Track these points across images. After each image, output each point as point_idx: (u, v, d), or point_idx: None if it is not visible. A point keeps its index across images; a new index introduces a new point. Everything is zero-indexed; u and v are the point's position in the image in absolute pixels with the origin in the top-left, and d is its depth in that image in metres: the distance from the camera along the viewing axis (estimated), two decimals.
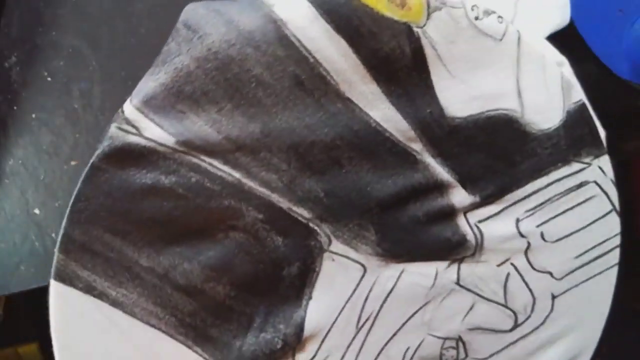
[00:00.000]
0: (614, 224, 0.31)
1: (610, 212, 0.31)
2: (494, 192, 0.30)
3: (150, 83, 0.27)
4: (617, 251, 0.32)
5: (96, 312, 0.27)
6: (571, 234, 0.31)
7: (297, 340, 0.28)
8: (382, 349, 0.29)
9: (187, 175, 0.27)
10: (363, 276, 0.29)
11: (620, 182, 0.35)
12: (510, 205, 0.31)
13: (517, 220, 0.31)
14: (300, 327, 0.28)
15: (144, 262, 0.27)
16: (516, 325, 0.31)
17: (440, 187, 0.30)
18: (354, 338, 0.29)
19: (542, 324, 0.31)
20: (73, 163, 0.36)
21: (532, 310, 0.31)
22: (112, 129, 0.27)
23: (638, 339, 0.39)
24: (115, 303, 0.27)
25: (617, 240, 0.32)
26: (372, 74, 0.28)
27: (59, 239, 0.28)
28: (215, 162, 0.27)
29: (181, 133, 0.27)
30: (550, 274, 0.31)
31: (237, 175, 0.27)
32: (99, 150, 0.27)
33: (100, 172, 0.27)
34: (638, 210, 0.39)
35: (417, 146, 0.29)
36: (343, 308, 0.29)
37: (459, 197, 0.30)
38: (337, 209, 0.29)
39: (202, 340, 0.28)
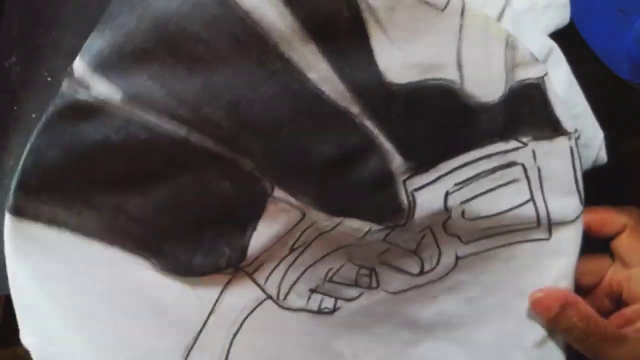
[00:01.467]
0: (529, 213, 0.32)
1: (527, 202, 0.32)
2: (429, 160, 0.31)
3: (97, 41, 0.28)
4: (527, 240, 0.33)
5: (60, 240, 0.29)
6: (487, 216, 0.32)
7: (239, 261, 0.31)
8: (309, 266, 0.33)
9: (136, 133, 0.28)
10: (302, 219, 0.31)
11: (620, 181, 0.35)
12: (443, 176, 0.31)
13: (447, 194, 0.32)
14: (244, 252, 0.31)
15: (100, 197, 0.29)
16: (422, 272, 0.34)
17: (379, 152, 0.31)
18: (287, 255, 0.32)
19: (446, 275, 0.34)
20: None
21: (438, 263, 0.34)
22: (64, 86, 0.28)
23: None
24: (77, 229, 0.29)
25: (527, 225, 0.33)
26: (310, 34, 0.28)
27: (14, 183, 0.29)
28: (163, 119, 0.28)
29: (127, 89, 0.27)
30: (459, 237, 0.33)
31: (183, 132, 0.28)
32: (51, 107, 0.28)
33: (52, 127, 0.28)
34: None
35: (354, 109, 0.30)
36: (281, 237, 0.32)
37: (396, 162, 0.31)
38: (277, 166, 0.30)
39: (157, 254, 0.31)
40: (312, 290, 0.34)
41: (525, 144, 0.32)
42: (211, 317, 0.32)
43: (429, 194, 0.32)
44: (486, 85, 0.31)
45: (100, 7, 0.38)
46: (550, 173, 0.32)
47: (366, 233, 0.32)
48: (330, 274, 0.34)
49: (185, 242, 0.31)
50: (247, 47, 0.28)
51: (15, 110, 0.37)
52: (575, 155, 0.32)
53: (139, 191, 0.30)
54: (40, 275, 0.29)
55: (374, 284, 0.34)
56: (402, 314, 0.35)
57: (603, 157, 0.36)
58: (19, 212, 0.29)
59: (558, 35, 0.35)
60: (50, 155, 0.28)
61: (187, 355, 0.31)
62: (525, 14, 0.35)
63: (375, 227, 0.32)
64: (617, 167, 0.36)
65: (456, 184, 0.32)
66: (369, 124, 0.30)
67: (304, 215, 0.31)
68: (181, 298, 0.32)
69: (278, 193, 0.31)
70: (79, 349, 0.30)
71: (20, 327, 0.30)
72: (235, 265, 0.32)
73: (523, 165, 0.32)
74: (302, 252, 0.33)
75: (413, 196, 0.32)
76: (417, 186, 0.32)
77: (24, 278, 0.29)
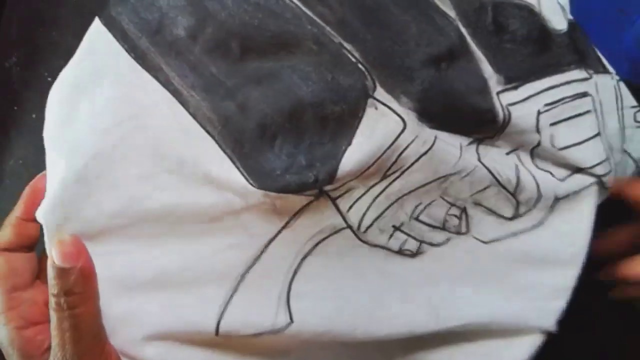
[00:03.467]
0: (598, 149, 0.33)
1: (595, 135, 0.33)
2: (518, 76, 0.32)
3: None
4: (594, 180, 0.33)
5: (167, 104, 0.30)
6: (570, 146, 0.33)
7: (328, 179, 0.29)
8: (398, 198, 0.31)
9: None
10: (402, 131, 0.30)
11: None
12: (534, 95, 0.32)
13: (539, 113, 0.32)
14: (335, 169, 0.29)
15: (215, 70, 0.30)
16: (517, 215, 0.33)
17: (473, 58, 0.32)
18: (376, 184, 0.31)
19: (540, 223, 0.33)
20: None
21: (534, 206, 0.33)
22: None
23: None
24: (184, 102, 0.30)
25: (594, 161, 0.33)
26: None
27: (148, 34, 0.30)
28: None
29: None
30: (551, 174, 0.33)
31: (298, 2, 0.30)
32: None
33: None
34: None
35: (452, 13, 0.32)
36: (378, 159, 0.30)
37: (488, 72, 0.32)
38: (383, 55, 0.31)
39: (245, 159, 0.30)
40: (396, 228, 0.32)
41: (590, 76, 0.34)
42: (284, 231, 0.30)
43: (522, 110, 0.32)
44: (555, 14, 0.34)
45: (100, 8, 0.38)
46: (606, 108, 0.34)
47: (461, 150, 0.32)
48: (417, 211, 0.32)
49: (278, 146, 0.30)
50: None
51: (15, 110, 0.37)
52: (618, 93, 0.34)
53: (249, 77, 0.30)
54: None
55: (463, 229, 0.33)
56: (490, 269, 0.33)
57: None
58: (141, 59, 0.30)
59: None
60: (181, 12, 0.30)
61: (252, 265, 0.30)
62: None
63: (464, 141, 0.32)
64: None
65: (546, 105, 0.32)
66: (464, 30, 0.32)
67: (404, 125, 0.30)
68: (258, 204, 0.30)
69: (380, 94, 0.30)
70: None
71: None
72: (324, 184, 0.29)
73: (592, 97, 0.33)
74: (393, 181, 0.31)
75: (508, 110, 0.32)
76: (510, 102, 0.32)
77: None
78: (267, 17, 0.30)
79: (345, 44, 0.30)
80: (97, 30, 0.30)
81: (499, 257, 0.33)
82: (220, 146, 0.30)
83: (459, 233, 0.32)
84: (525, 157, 0.33)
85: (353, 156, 0.29)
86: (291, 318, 0.30)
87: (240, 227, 0.30)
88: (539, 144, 0.32)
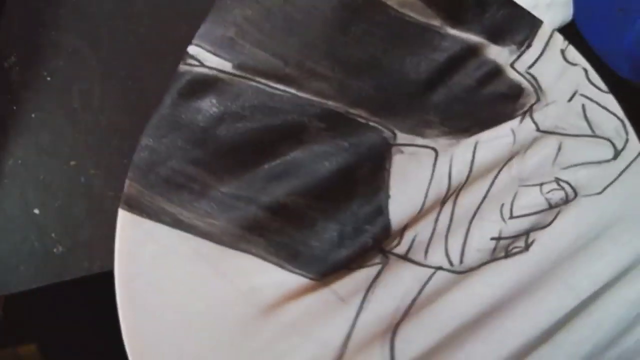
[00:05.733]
0: None
1: None
2: (526, 35, 0.32)
3: (204, 25, 0.30)
4: None
5: (184, 245, 0.27)
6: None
7: (386, 236, 0.29)
8: (475, 212, 0.30)
9: (250, 99, 0.29)
10: (436, 158, 0.30)
11: None
12: (548, 43, 0.32)
13: (562, 52, 0.32)
14: (386, 223, 0.29)
15: (227, 189, 0.28)
16: (617, 152, 0.31)
17: (474, 51, 0.31)
18: (440, 212, 0.30)
19: None
20: (73, 163, 0.36)
21: (626, 132, 0.31)
22: (181, 67, 0.29)
23: None
24: (203, 234, 0.28)
25: None
26: None
27: (136, 177, 0.28)
28: (271, 83, 0.29)
29: (235, 57, 0.29)
30: None
31: (292, 90, 0.29)
32: (173, 88, 0.29)
33: (176, 107, 0.29)
34: None
35: (436, 22, 0.31)
36: (427, 192, 0.29)
37: (495, 52, 0.31)
38: (390, 101, 0.30)
39: (293, 258, 0.28)
40: (498, 238, 0.30)
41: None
42: (360, 317, 0.28)
43: (544, 64, 0.31)
44: None
45: (100, 8, 0.38)
46: None
47: (514, 134, 0.30)
48: (506, 211, 0.30)
49: (321, 230, 0.29)
50: None
51: (14, 110, 0.37)
52: None
53: (266, 176, 0.29)
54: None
55: (571, 195, 0.30)
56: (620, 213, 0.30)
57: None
58: (144, 211, 0.28)
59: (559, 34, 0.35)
60: (175, 138, 0.28)
61: None
62: (531, 10, 0.35)
63: (514, 124, 0.31)
64: None
65: (564, 40, 0.32)
66: (452, 31, 0.31)
67: (436, 152, 0.30)
68: (323, 303, 0.28)
69: (402, 139, 0.30)
70: None
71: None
72: (382, 241, 0.29)
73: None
74: (456, 199, 0.29)
75: (529, 73, 0.31)
76: (528, 64, 0.32)
77: (147, 284, 0.28)
78: (267, 116, 0.29)
79: (351, 110, 0.30)
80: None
81: (620, 198, 0.30)
82: (261, 257, 0.28)
83: (567, 201, 0.30)
84: (589, 89, 0.31)
85: (398, 204, 0.29)
86: None
87: (308, 340, 0.28)
88: (586, 71, 0.31)
